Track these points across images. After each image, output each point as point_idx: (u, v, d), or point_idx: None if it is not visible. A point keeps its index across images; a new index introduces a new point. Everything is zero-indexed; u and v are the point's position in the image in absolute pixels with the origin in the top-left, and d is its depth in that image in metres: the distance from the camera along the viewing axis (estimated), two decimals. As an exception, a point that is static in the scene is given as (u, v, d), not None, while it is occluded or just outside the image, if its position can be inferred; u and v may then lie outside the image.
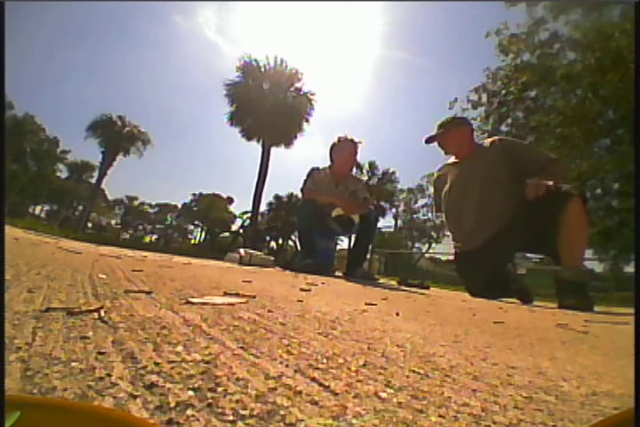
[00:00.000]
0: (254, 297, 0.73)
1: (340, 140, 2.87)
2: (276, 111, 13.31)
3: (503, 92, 8.25)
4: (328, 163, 2.93)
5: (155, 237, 43.92)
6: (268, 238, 6.67)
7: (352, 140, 2.87)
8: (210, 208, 37.91)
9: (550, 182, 1.80)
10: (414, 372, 0.34)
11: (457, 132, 2.21)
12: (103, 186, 23.49)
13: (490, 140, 2.22)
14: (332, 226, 2.76)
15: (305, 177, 2.89)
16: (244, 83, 13.95)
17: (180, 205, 42.79)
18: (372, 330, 0.54)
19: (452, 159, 2.33)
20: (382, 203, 24.46)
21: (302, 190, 2.88)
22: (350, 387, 0.28)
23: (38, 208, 35.85)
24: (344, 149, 2.86)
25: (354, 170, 3.10)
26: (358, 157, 2.99)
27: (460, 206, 2.18)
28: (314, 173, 2.88)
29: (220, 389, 0.24)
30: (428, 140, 2.31)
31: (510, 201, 2.00)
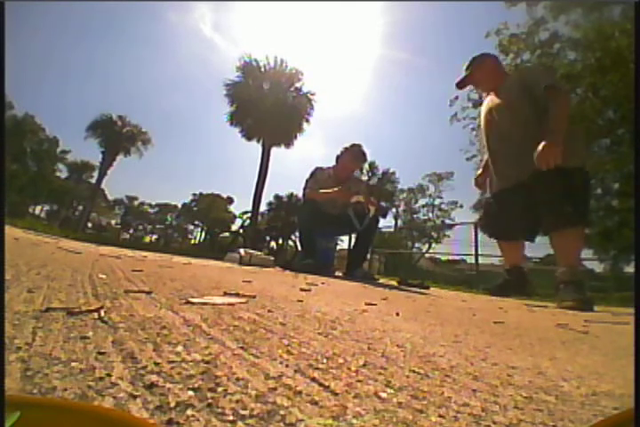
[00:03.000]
0: (254, 297, 0.73)
1: (354, 145, 2.96)
2: (276, 111, 13.31)
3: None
4: (328, 163, 2.99)
5: (155, 237, 43.94)
6: (268, 238, 6.67)
7: (364, 153, 2.98)
8: (210, 208, 37.92)
9: (559, 152, 1.68)
10: (414, 372, 0.34)
11: (480, 68, 2.17)
12: (103, 186, 23.52)
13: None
14: (348, 213, 2.75)
15: (307, 177, 2.92)
16: (244, 83, 13.94)
17: (180, 205, 42.84)
18: (372, 330, 0.54)
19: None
20: (382, 203, 24.47)
21: (304, 190, 2.90)
22: (350, 387, 0.28)
23: (38, 208, 35.87)
24: (355, 156, 2.93)
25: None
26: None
27: (492, 142, 2.11)
28: (317, 172, 2.91)
29: (220, 389, 0.24)
30: (459, 84, 2.28)
31: (531, 142, 1.81)
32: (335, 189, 2.65)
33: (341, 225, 2.85)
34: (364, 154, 2.96)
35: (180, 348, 0.33)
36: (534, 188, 1.85)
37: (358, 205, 2.72)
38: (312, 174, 2.90)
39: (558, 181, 1.76)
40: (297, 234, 3.09)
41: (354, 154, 2.92)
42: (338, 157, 2.94)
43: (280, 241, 6.25)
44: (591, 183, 1.88)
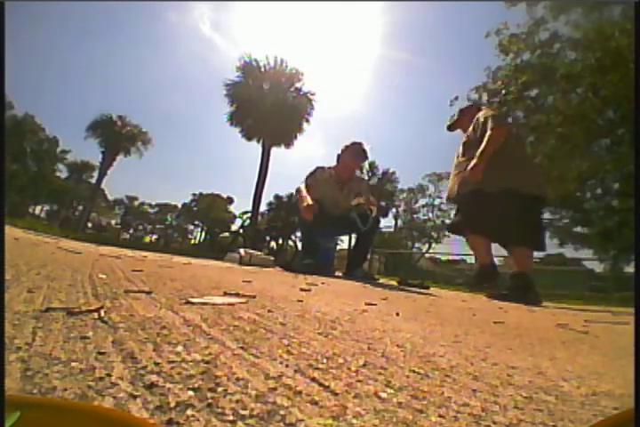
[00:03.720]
0: (254, 297, 0.73)
1: (354, 143, 2.92)
2: (276, 111, 13.30)
3: (503, 91, 8.24)
4: (328, 163, 2.97)
5: (155, 237, 43.90)
6: (268, 238, 6.66)
7: (365, 151, 2.93)
8: (210, 208, 37.90)
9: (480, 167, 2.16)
10: (414, 372, 0.34)
11: (463, 115, 2.69)
12: (103, 186, 23.51)
13: None
14: (351, 215, 2.73)
15: (308, 174, 2.89)
16: (244, 83, 13.94)
17: (180, 205, 42.80)
18: (372, 330, 0.54)
19: None
20: (382, 203, 24.47)
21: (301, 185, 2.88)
22: (350, 387, 0.28)
23: (38, 208, 35.84)
24: (356, 154, 2.90)
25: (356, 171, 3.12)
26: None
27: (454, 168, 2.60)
28: (318, 171, 2.89)
29: (220, 389, 0.24)
30: (450, 128, 2.79)
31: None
32: (305, 203, 2.62)
33: (342, 226, 2.84)
34: (364, 152, 2.92)
35: (180, 348, 0.33)
36: (490, 202, 2.20)
37: (360, 207, 2.70)
38: (312, 173, 2.88)
39: (509, 202, 2.13)
40: (297, 234, 3.08)
41: (354, 152, 2.89)
42: (339, 156, 2.91)
43: (280, 241, 6.25)
44: (542, 210, 2.36)
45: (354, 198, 2.80)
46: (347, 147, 2.91)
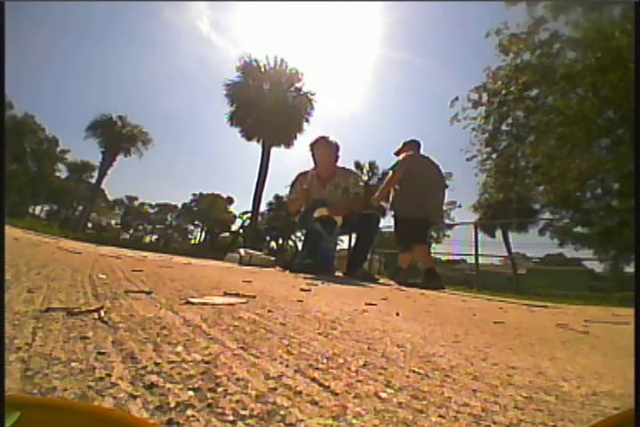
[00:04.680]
0: (254, 297, 0.73)
1: (317, 140, 2.83)
2: (276, 111, 13.31)
3: (503, 91, 8.24)
4: None
5: (155, 237, 43.91)
6: (267, 238, 6.67)
7: (331, 141, 2.82)
8: (210, 208, 37.89)
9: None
10: (414, 372, 0.34)
11: (403, 150, 3.26)
12: (103, 186, 23.49)
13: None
14: (315, 227, 2.68)
15: (291, 183, 2.88)
16: (244, 83, 13.95)
17: (180, 205, 42.82)
18: (372, 330, 0.54)
19: None
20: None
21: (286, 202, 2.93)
22: (350, 387, 0.28)
23: (38, 208, 35.85)
24: (324, 147, 2.79)
25: (339, 165, 2.93)
26: (358, 158, 3.11)
27: None
28: (299, 179, 2.86)
29: (220, 389, 0.24)
30: (396, 154, 3.35)
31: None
32: (293, 196, 2.84)
33: (331, 224, 2.82)
34: (330, 143, 2.79)
35: (180, 348, 0.33)
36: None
37: (321, 219, 2.62)
38: (293, 183, 2.86)
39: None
40: (297, 234, 3.08)
41: (320, 147, 2.78)
42: (312, 156, 2.82)
43: (280, 241, 6.25)
44: (428, 226, 3.14)
45: (342, 194, 2.77)
46: (311, 146, 2.81)
